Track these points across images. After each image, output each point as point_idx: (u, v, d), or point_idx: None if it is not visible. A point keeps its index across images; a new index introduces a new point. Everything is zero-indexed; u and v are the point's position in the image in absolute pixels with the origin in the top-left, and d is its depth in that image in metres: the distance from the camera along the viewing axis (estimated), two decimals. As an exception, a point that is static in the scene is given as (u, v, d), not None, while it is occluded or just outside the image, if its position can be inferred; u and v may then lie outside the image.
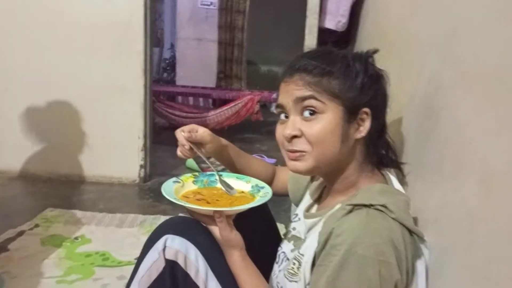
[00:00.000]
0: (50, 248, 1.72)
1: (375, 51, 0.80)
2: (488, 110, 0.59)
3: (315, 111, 0.75)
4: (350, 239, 0.65)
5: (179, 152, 0.95)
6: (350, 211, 0.69)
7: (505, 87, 0.55)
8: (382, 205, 0.67)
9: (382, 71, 0.80)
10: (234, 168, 1.03)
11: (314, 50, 0.85)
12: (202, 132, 0.94)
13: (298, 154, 0.77)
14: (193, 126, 0.95)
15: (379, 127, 0.80)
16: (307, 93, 0.75)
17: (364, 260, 0.64)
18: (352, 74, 0.76)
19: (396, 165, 0.85)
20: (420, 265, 0.70)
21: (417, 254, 0.70)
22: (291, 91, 0.77)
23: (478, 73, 0.64)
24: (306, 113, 0.75)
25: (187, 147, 0.93)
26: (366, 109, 0.76)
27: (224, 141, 1.00)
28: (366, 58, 0.79)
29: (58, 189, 2.46)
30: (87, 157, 2.60)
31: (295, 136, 0.76)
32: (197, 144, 0.95)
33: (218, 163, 1.03)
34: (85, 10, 2.47)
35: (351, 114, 0.76)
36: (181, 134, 0.93)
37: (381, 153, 0.82)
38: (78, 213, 2.09)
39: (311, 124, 0.75)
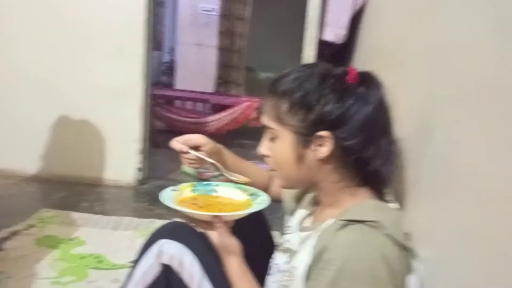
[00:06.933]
0: (45, 249, 1.72)
1: (345, 72, 0.76)
2: (482, 127, 0.60)
3: (273, 136, 0.80)
4: (344, 255, 0.65)
5: (187, 165, 0.98)
6: (344, 226, 0.69)
7: (499, 104, 0.56)
8: (375, 221, 0.68)
9: (361, 91, 0.75)
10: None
11: (285, 72, 0.80)
12: (196, 137, 0.98)
13: (273, 171, 0.84)
14: (185, 135, 0.99)
15: (355, 147, 0.74)
16: (265, 121, 0.81)
17: (358, 275, 0.64)
18: (302, 99, 0.75)
19: (378, 185, 0.79)
20: (411, 281, 0.71)
21: (409, 269, 0.71)
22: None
23: (473, 90, 0.64)
24: (269, 137, 0.81)
25: (185, 149, 0.95)
26: (323, 133, 0.74)
27: (219, 145, 1.03)
28: (324, 81, 0.75)
29: (54, 190, 2.46)
30: (84, 158, 2.61)
31: (266, 155, 0.83)
32: (194, 148, 0.97)
33: (219, 164, 1.04)
34: (86, 13, 2.48)
35: (305, 137, 0.76)
36: (176, 142, 0.97)
37: (367, 171, 0.76)
38: (74, 214, 2.09)
39: (272, 147, 0.81)
